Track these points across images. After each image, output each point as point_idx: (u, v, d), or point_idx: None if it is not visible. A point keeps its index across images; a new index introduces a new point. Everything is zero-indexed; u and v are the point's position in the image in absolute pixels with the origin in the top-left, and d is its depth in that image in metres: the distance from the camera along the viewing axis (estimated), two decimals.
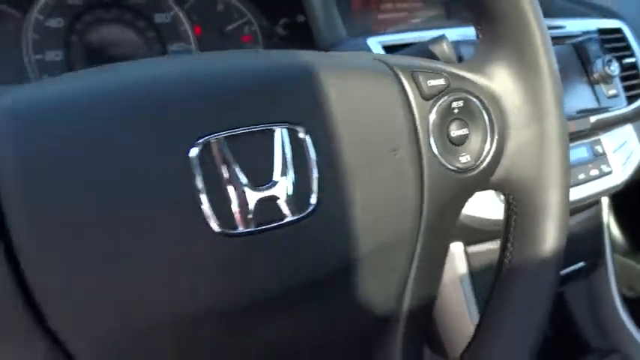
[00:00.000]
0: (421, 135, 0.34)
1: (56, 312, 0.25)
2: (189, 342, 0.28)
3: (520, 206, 0.39)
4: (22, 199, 0.24)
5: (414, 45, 0.52)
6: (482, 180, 0.38)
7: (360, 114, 0.32)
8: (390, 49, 0.69)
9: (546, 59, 0.37)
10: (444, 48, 0.50)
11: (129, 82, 0.27)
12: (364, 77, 0.33)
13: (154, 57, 0.77)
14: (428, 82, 0.35)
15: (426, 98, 0.35)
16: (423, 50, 0.50)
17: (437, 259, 0.38)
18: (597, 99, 0.84)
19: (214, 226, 0.27)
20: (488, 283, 0.53)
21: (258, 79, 0.29)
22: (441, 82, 0.36)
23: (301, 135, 0.29)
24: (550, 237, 0.38)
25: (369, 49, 0.68)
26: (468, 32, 0.79)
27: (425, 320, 0.38)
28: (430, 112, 0.35)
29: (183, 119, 0.26)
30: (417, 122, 0.34)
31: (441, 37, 0.51)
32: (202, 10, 0.80)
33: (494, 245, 0.83)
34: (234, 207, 0.27)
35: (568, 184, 0.39)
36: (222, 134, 0.27)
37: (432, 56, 0.50)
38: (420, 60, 0.38)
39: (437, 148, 0.35)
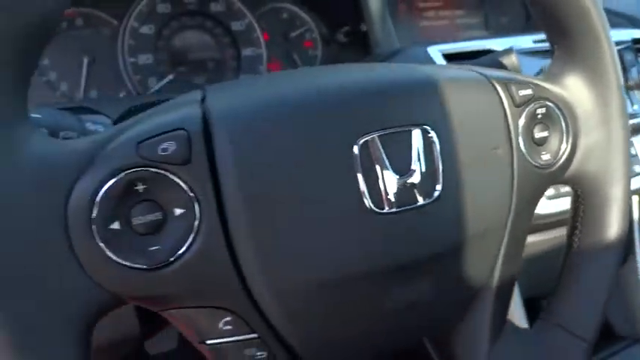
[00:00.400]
0: (513, 136, 0.42)
1: (252, 272, 0.33)
2: (341, 297, 0.35)
3: (588, 198, 0.46)
4: (237, 180, 0.31)
5: (485, 57, 0.60)
6: (558, 175, 0.45)
7: (471, 117, 0.39)
8: (449, 57, 0.76)
9: (614, 72, 0.45)
10: (513, 60, 0.57)
11: (308, 89, 0.35)
12: (473, 87, 0.40)
13: (230, 61, 0.85)
14: (519, 92, 0.42)
15: (517, 105, 0.42)
16: (494, 61, 0.58)
17: (519, 242, 0.45)
18: (632, 104, 0.91)
19: (368, 204, 0.34)
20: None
21: (401, 89, 0.37)
22: (528, 92, 0.43)
23: (431, 134, 0.36)
24: (615, 223, 0.45)
25: (430, 58, 0.75)
26: (510, 42, 0.86)
27: (509, 294, 0.45)
28: (520, 117, 0.42)
29: (350, 122, 0.34)
30: (510, 126, 0.42)
31: (510, 50, 0.58)
32: (270, 18, 0.88)
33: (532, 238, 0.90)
34: (383, 191, 0.34)
35: (629, 178, 0.46)
36: (376, 134, 0.34)
37: (502, 67, 0.57)
38: (509, 73, 0.45)
39: (524, 147, 0.42)
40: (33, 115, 0.37)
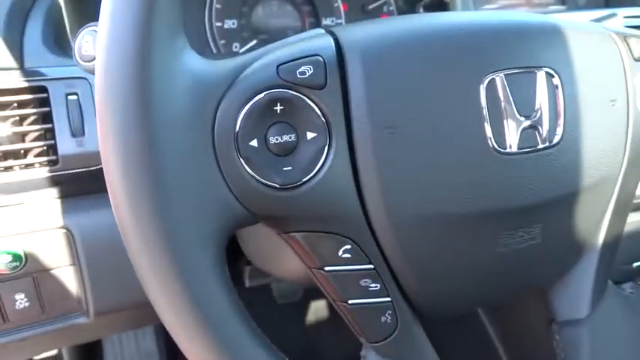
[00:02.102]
0: (630, 90, 0.41)
1: (374, 201, 0.33)
2: (456, 235, 0.36)
3: None
4: (367, 108, 0.32)
5: (587, 22, 0.58)
6: None
7: (593, 67, 0.38)
8: None
9: None
10: (618, 24, 0.55)
11: (438, 24, 0.35)
12: (595, 38, 0.40)
13: (309, 28, 0.86)
14: (637, 45, 0.41)
15: (637, 59, 0.41)
16: (596, 25, 0.56)
17: (629, 196, 0.44)
18: None
19: (491, 143, 0.34)
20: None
21: (527, 30, 0.37)
22: None
23: (555, 78, 0.36)
24: None
25: None
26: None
27: (613, 251, 0.45)
28: (638, 71, 0.41)
29: (479, 59, 0.34)
30: (628, 80, 0.41)
31: (612, 15, 0.57)
32: None
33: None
34: (506, 130, 0.35)
35: None
36: (502, 72, 0.34)
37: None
38: (627, 29, 0.44)
39: (639, 102, 0.41)
40: None
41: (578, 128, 0.37)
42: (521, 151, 0.35)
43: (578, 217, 0.39)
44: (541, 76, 0.36)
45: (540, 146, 0.36)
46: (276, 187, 0.32)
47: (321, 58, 0.32)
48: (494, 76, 0.34)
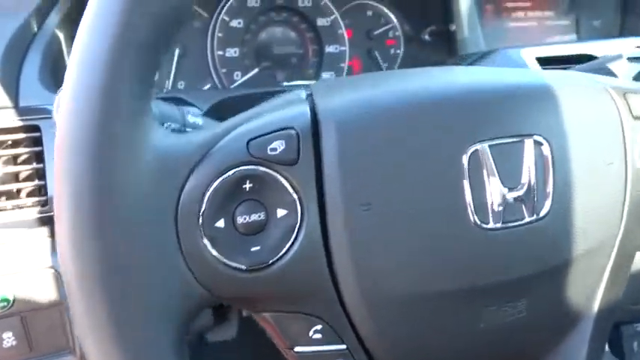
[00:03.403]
0: (629, 151, 0.39)
1: (348, 281, 0.32)
2: (435, 313, 0.34)
3: None
4: (342, 184, 0.31)
5: (592, 62, 0.56)
6: None
7: (587, 129, 0.37)
8: (544, 61, 0.72)
9: None
10: (625, 67, 0.53)
11: (419, 91, 0.34)
12: (589, 96, 0.38)
13: (313, 57, 0.85)
14: (638, 103, 0.39)
15: (636, 118, 0.39)
16: (602, 68, 0.54)
17: (626, 264, 0.42)
18: None
19: (473, 218, 0.33)
20: None
21: (515, 96, 0.35)
22: None
23: (544, 146, 0.34)
24: None
25: (522, 61, 0.72)
26: (610, 47, 0.80)
27: (609, 320, 0.42)
28: (638, 130, 0.39)
29: (462, 129, 0.33)
30: (627, 140, 0.39)
31: (620, 56, 0.55)
32: (354, 15, 0.87)
33: None
34: (489, 204, 0.33)
35: None
36: (487, 143, 0.33)
37: (612, 74, 0.53)
38: (626, 82, 0.42)
39: (638, 160, 0.39)
40: None
41: (569, 197, 0.35)
42: (505, 225, 0.33)
43: (569, 287, 0.38)
44: (529, 144, 0.34)
45: (527, 220, 0.34)
46: (242, 269, 0.30)
47: (294, 132, 0.31)
48: (478, 147, 0.33)
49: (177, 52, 0.77)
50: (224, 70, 0.78)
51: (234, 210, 0.30)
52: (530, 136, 0.34)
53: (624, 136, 0.39)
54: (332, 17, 0.84)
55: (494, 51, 0.75)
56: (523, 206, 0.34)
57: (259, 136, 0.30)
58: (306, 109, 0.33)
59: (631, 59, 0.72)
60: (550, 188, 0.34)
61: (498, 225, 0.33)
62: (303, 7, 0.82)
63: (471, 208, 0.32)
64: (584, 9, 1.08)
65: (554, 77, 0.38)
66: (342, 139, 0.31)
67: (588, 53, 0.75)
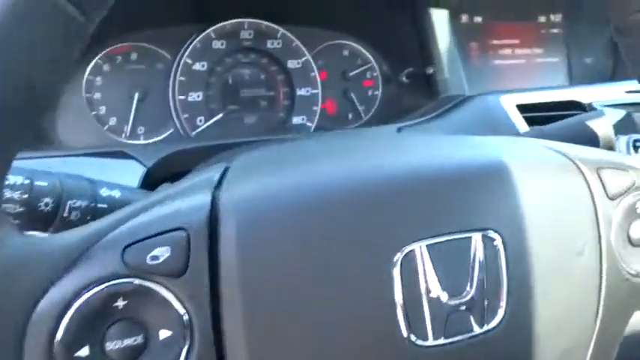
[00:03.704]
0: (603, 237, 0.33)
1: None
2: None
3: None
4: (242, 298, 0.25)
5: (570, 119, 0.51)
6: None
7: (550, 216, 0.31)
8: (525, 109, 0.67)
9: None
10: (605, 128, 0.48)
11: (342, 181, 0.28)
12: (554, 175, 0.32)
13: (283, 100, 0.81)
14: (614, 179, 0.34)
15: (611, 198, 0.34)
16: (580, 126, 0.49)
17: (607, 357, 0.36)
18: None
19: (406, 333, 0.27)
20: None
21: (457, 181, 0.29)
22: (627, 180, 0.34)
23: (495, 242, 0.29)
24: None
25: (502, 109, 0.67)
26: (597, 92, 0.75)
27: None
28: (614, 212, 0.34)
29: (392, 224, 0.27)
30: (601, 223, 0.33)
31: (600, 114, 0.49)
32: (329, 55, 0.83)
33: None
34: (428, 317, 0.27)
35: None
36: (425, 242, 0.27)
37: (592, 135, 0.48)
38: (600, 153, 0.37)
39: (617, 250, 0.34)
40: (37, 184, 0.33)
41: (527, 300, 0.29)
42: (448, 341, 0.28)
43: None
44: (477, 241, 0.28)
45: (475, 332, 0.28)
46: None
47: (184, 234, 0.25)
48: (413, 247, 0.27)
49: (136, 95, 0.73)
50: (186, 115, 0.74)
51: (104, 334, 0.24)
52: (478, 230, 0.28)
53: (598, 220, 0.33)
54: (303, 59, 0.79)
55: (473, 97, 0.71)
56: (470, 316, 0.28)
57: (138, 241, 0.25)
58: (207, 200, 0.27)
59: (609, 106, 0.67)
60: (503, 292, 0.29)
61: (440, 341, 0.27)
62: (272, 48, 0.78)
63: (404, 322, 0.27)
64: (576, 46, 1.04)
65: (511, 152, 0.33)
66: (245, 242, 0.26)
67: (574, 100, 0.70)
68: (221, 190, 0.28)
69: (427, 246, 0.27)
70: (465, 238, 0.28)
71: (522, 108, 0.67)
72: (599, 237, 0.33)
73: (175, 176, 0.55)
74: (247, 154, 0.35)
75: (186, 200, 0.27)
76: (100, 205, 0.37)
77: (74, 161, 0.55)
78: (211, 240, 0.26)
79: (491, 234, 0.29)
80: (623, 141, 0.61)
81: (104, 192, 0.38)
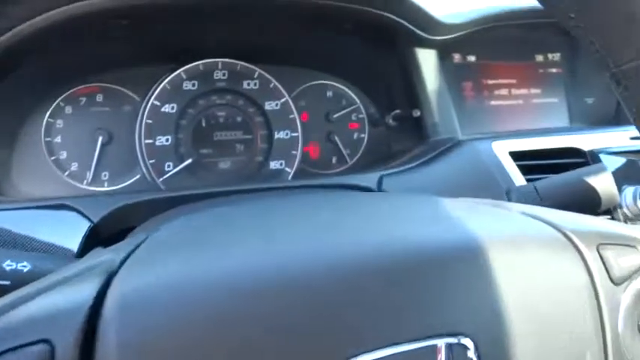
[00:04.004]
0: (608, 330, 0.27)
1: None
2: None
3: None
4: None
5: (569, 173, 0.45)
6: None
7: (538, 312, 0.25)
8: (517, 155, 0.61)
9: None
10: (607, 183, 0.42)
11: (247, 269, 0.22)
12: (541, 255, 0.26)
13: (260, 144, 0.75)
14: (618, 260, 0.27)
15: (617, 282, 0.27)
16: (580, 184, 0.43)
17: None
18: None
19: None
20: None
21: (416, 271, 0.23)
22: (634, 259, 0.28)
23: (468, 351, 0.22)
24: None
25: (494, 156, 0.61)
26: (599, 139, 0.69)
27: None
28: (621, 298, 0.27)
29: (328, 334, 0.21)
30: (604, 314, 0.27)
31: (601, 169, 0.43)
32: (311, 96, 0.78)
33: None
34: None
35: None
36: (375, 354, 0.21)
37: (593, 193, 0.42)
38: (601, 223, 0.30)
39: (625, 343, 0.27)
40: None
41: None
42: None
43: None
44: (444, 350, 0.22)
45: None
46: None
47: (48, 348, 0.19)
48: None
49: (100, 139, 0.67)
50: (152, 161, 0.68)
51: None
52: (446, 336, 0.22)
53: (600, 311, 0.26)
54: (282, 100, 0.74)
55: (464, 143, 0.65)
56: None
57: None
58: (90, 295, 0.21)
59: (612, 153, 0.61)
60: None
61: None
62: (248, 89, 0.73)
63: None
64: (576, 86, 0.99)
65: (491, 226, 0.27)
66: (126, 352, 0.19)
67: (574, 147, 0.64)
68: (116, 280, 0.22)
69: (380, 359, 0.21)
70: (428, 346, 0.22)
71: (517, 155, 0.61)
72: (604, 331, 0.26)
73: (124, 232, 0.50)
74: (175, 223, 0.29)
75: (68, 294, 0.21)
76: (1, 282, 0.31)
77: (13, 215, 0.50)
78: (83, 356, 0.19)
79: (463, 340, 0.22)
80: (629, 193, 0.54)
81: (8, 265, 0.31)
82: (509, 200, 0.45)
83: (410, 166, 0.62)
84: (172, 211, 0.48)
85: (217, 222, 0.29)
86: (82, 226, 0.49)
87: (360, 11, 0.57)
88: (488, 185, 0.55)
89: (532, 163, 0.60)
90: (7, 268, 0.32)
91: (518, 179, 0.57)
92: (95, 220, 0.49)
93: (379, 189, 0.59)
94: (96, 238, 0.50)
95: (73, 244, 0.47)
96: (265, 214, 0.30)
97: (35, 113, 0.65)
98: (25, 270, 0.33)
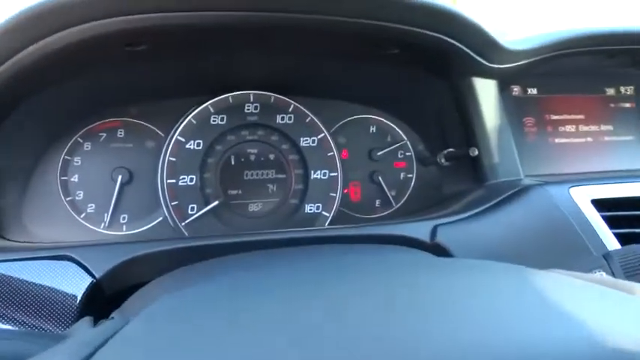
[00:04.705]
0: None
1: None
2: None
3: None
4: None
5: None
6: None
7: None
8: (601, 204, 0.50)
9: None
10: None
11: None
12: None
13: (295, 184, 0.67)
14: None
15: None
16: None
17: None
18: None
19: None
20: None
21: None
22: None
23: None
24: None
25: (574, 205, 0.50)
26: None
27: None
28: None
29: None
30: None
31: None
32: (352, 132, 0.70)
33: None
34: None
35: None
36: None
37: None
38: None
39: None
40: None
41: None
42: None
43: None
44: None
45: None
46: None
47: None
48: None
49: (119, 178, 0.61)
50: (175, 203, 0.61)
51: None
52: None
53: None
54: (320, 136, 0.67)
55: (532, 187, 0.54)
56: None
57: None
58: None
59: None
60: None
61: None
62: (282, 124, 0.66)
63: None
64: None
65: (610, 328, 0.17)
66: None
67: None
68: None
69: None
70: None
71: (600, 204, 0.50)
72: None
73: (131, 289, 0.43)
74: (165, 305, 0.21)
75: None
76: None
77: (15, 264, 0.44)
78: None
79: None
80: None
81: None
82: (609, 266, 0.35)
83: (468, 214, 0.53)
84: (178, 273, 0.40)
85: (226, 306, 0.21)
86: (85, 281, 0.42)
87: (410, 33, 0.48)
88: (569, 243, 0.45)
89: (620, 214, 0.49)
90: None
91: (607, 236, 0.46)
92: (98, 275, 0.42)
93: (432, 240, 0.50)
94: (101, 294, 0.44)
95: (75, 300, 0.41)
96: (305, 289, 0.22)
97: (51, 150, 0.60)
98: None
